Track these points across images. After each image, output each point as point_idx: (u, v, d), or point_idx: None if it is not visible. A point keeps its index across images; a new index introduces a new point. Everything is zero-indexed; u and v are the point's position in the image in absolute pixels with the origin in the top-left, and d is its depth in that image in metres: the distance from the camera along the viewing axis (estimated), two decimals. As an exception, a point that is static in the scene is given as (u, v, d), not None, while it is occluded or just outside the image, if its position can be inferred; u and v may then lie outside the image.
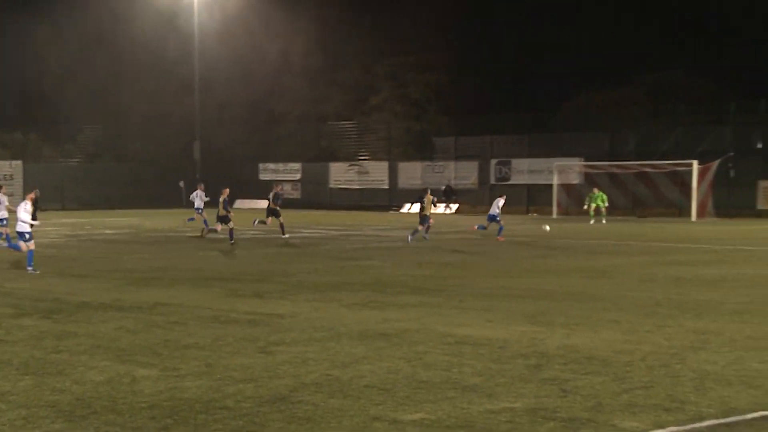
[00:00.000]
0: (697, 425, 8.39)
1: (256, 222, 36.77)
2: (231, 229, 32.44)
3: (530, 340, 12.54)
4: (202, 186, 42.32)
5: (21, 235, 22.41)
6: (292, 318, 14.70)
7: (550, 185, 59.46)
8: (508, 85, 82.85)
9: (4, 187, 31.72)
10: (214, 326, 13.89)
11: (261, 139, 79.44)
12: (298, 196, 72.68)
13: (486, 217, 36.44)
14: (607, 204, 50.46)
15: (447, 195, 64.74)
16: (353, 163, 72.83)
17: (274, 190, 37.62)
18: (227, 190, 34.33)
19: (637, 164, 57.17)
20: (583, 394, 9.50)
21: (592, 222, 45.99)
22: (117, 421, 8.67)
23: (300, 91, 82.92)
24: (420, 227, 34.15)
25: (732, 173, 55.80)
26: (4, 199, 30.72)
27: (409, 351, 11.83)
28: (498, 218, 35.24)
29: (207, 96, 75.25)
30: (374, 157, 72.69)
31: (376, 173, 70.87)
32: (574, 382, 10.03)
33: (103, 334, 13.26)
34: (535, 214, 59.93)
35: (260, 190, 75.59)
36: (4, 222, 30.19)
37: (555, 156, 61.65)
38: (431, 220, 34.73)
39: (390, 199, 69.34)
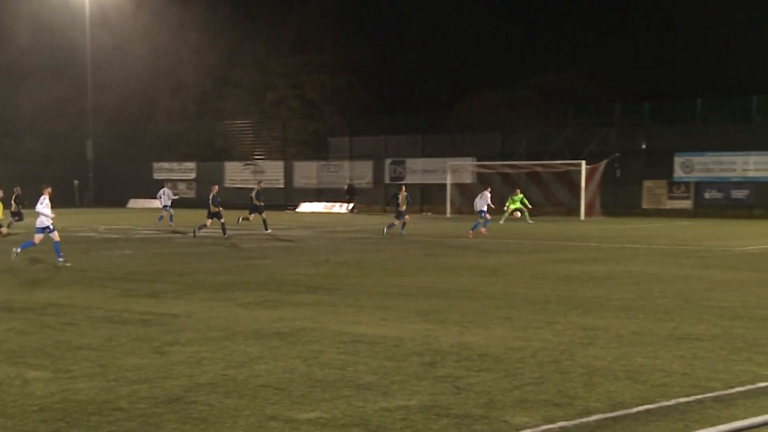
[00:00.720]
0: (585, 420, 8.54)
1: (240, 220, 37.77)
2: (223, 224, 34.12)
3: (424, 338, 12.61)
4: (169, 184, 44.34)
5: (42, 229, 23.36)
6: (186, 318, 14.53)
7: (444, 185, 59.98)
8: (402, 86, 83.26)
9: None
10: (107, 327, 13.65)
11: (155, 137, 78.40)
12: (193, 196, 71.91)
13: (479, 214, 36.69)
14: (529, 205, 50.59)
15: (349, 194, 64.82)
16: (248, 162, 72.39)
17: (256, 189, 38.51)
18: (216, 187, 36.33)
19: (529, 164, 58.05)
20: (476, 391, 9.59)
21: (502, 222, 46.29)
22: (7, 425, 8.44)
23: (195, 89, 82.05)
24: (396, 222, 35.50)
25: (618, 173, 57.06)
26: None
27: (305, 350, 11.79)
28: (485, 213, 35.84)
29: (100, 94, 73.91)
30: (270, 157, 72.38)
31: (272, 172, 70.56)
32: (467, 380, 10.12)
33: (-7, 336, 12.92)
34: (429, 213, 60.40)
35: (154, 189, 74.64)
36: None
37: (448, 156, 62.23)
38: (407, 216, 35.85)
39: (285, 198, 69.16)
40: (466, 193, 59.51)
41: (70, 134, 75.36)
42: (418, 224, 45.38)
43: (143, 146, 77.25)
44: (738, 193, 54.61)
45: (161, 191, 44.64)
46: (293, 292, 17.93)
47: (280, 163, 70.79)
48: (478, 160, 61.23)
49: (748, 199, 54.28)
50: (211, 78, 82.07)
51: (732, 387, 9.82)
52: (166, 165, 76.10)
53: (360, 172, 66.91)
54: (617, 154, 57.10)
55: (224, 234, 34.44)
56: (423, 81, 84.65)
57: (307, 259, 25.82)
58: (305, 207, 67.37)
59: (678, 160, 55.96)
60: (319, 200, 68.01)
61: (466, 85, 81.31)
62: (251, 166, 71.88)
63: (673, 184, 56.27)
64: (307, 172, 69.21)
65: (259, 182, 42.68)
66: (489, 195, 36.80)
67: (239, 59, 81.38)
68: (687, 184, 55.82)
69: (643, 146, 57.70)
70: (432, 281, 19.87)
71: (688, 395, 9.44)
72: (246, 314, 14.94)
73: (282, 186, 70.14)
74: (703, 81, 74.96)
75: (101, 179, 76.15)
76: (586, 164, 54.62)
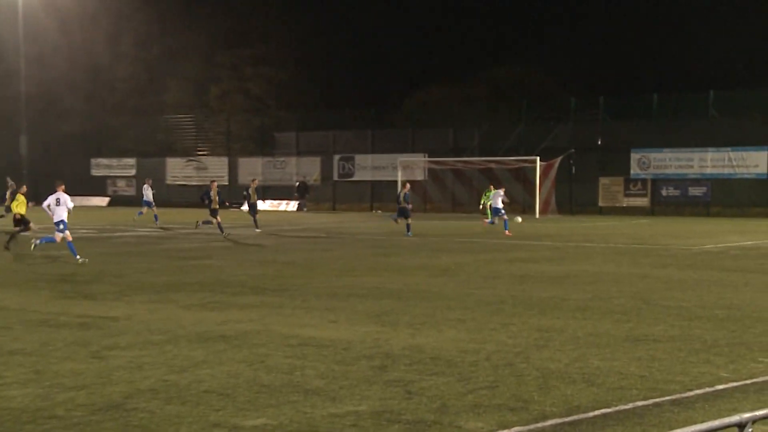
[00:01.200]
0: (540, 425, 8.57)
1: (200, 223, 37.53)
2: (219, 222, 35.16)
3: (374, 341, 12.60)
4: (150, 181, 44.96)
5: (57, 224, 24.80)
6: (126, 321, 14.40)
7: (395, 181, 59.92)
8: (350, 80, 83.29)
9: None
10: (42, 330, 13.49)
11: (94, 133, 77.65)
12: (133, 193, 71.33)
13: (492, 213, 38.70)
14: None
15: (300, 192, 64.48)
16: (191, 158, 71.97)
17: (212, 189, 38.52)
18: (215, 183, 37.65)
19: (482, 160, 58.29)
20: (428, 396, 9.59)
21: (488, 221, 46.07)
22: (-64, 435, 8.31)
23: (135, 81, 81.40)
24: (399, 220, 37.07)
25: (573, 170, 57.47)
26: None
27: (250, 354, 11.73)
28: (502, 212, 37.59)
29: (34, 87, 73.04)
30: (213, 152, 72.01)
31: (215, 169, 70.19)
32: (419, 384, 10.12)
33: None
34: (379, 212, 60.42)
35: (93, 186, 74.01)
36: None
37: (399, 152, 62.31)
38: (409, 218, 36.85)
39: (230, 195, 68.78)
40: (418, 191, 59.61)
41: (3, 130, 74.42)
42: (367, 223, 45.39)
43: (81, 142, 76.51)
44: (695, 191, 55.26)
45: (144, 187, 45.30)
46: (238, 293, 17.84)
47: (224, 160, 70.47)
48: (429, 156, 61.39)
49: (706, 197, 54.94)
50: (152, 70, 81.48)
51: (690, 390, 9.91)
52: (104, 161, 75.45)
53: (307, 169, 66.79)
54: (572, 151, 57.53)
55: (221, 231, 35.28)
56: (372, 75, 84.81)
57: (253, 259, 25.71)
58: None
59: (635, 156, 56.50)
60: (264, 198, 67.73)
61: (417, 80, 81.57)
62: (194, 163, 71.47)
63: (629, 181, 56.79)
64: (252, 169, 68.90)
65: (213, 181, 42.45)
66: (502, 193, 38.64)
67: (182, 51, 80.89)
68: (644, 181, 56.39)
69: (599, 142, 58.18)
70: (382, 281, 19.87)
71: (645, 398, 9.51)
72: (189, 317, 14.83)
73: (226, 183, 69.80)
74: (659, 76, 75.94)
75: (36, 176, 75.33)
76: (541, 161, 54.98)
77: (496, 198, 38.25)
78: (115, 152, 75.84)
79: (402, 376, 10.49)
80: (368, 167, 64.50)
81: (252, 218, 38.80)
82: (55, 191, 25.32)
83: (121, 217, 47.70)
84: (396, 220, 37.81)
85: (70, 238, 25.04)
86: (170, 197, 70.19)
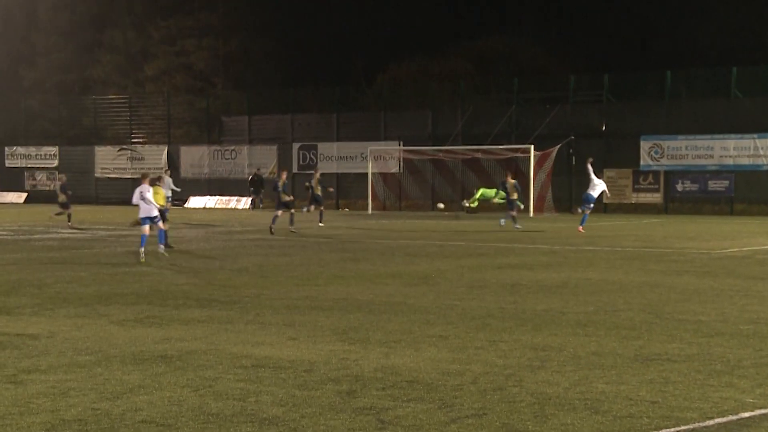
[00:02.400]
0: (537, 458, 8.61)
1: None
2: (292, 214, 39.00)
3: (341, 361, 12.62)
4: (169, 172, 46.82)
5: (146, 219, 27.72)
6: (48, 338, 14.35)
7: (365, 174, 59.90)
8: (311, 55, 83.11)
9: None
10: (-52, 351, 13.43)
11: (7, 116, 77.18)
12: (55, 188, 71.09)
13: (583, 198, 41.05)
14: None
15: (255, 186, 64.23)
16: (124, 147, 71.73)
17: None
18: (285, 174, 40.96)
19: (466, 149, 58.33)
20: (404, 426, 9.62)
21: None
22: None
23: (55, 54, 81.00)
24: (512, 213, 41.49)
25: (574, 160, 57.54)
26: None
27: (196, 377, 11.72)
28: (593, 203, 40.54)
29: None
30: (150, 140, 71.82)
31: (153, 159, 69.99)
32: (393, 411, 10.15)
33: None
34: (346, 210, 60.46)
35: (8, 180, 73.62)
36: None
37: (369, 139, 62.32)
38: (515, 211, 41.83)
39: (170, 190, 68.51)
40: (392, 185, 59.68)
41: None
42: (333, 222, 45.40)
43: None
44: (716, 185, 55.57)
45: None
46: (181, 306, 17.81)
47: (163, 148, 70.28)
48: (405, 145, 61.41)
49: (728, 192, 55.25)
50: (76, 41, 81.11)
51: (711, 418, 9.97)
52: (21, 150, 75.07)
53: (261, 159, 66.65)
54: (572, 138, 57.72)
55: (291, 224, 38.77)
56: (336, 47, 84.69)
57: (197, 266, 25.67)
58: (195, 201, 66.83)
59: (645, 144, 56.75)
60: (211, 193, 67.62)
61: (389, 53, 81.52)
62: (127, 152, 71.24)
63: (639, 174, 57.04)
64: (196, 159, 68.77)
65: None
66: (604, 185, 41.58)
67: (111, 18, 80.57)
68: (656, 173, 56.69)
69: (603, 128, 58.41)
70: (350, 292, 19.89)
71: (658, 428, 9.57)
72: (123, 334, 14.80)
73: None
74: (673, 50, 76.22)
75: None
76: (535, 149, 55.12)
77: (598, 186, 40.48)
78: (33, 139, 75.43)
79: (374, 402, 10.52)
80: (333, 157, 64.51)
81: (318, 212, 43.48)
82: (142, 184, 28.26)
83: (40, 216, 47.44)
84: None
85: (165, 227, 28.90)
86: (100, 193, 70.03)
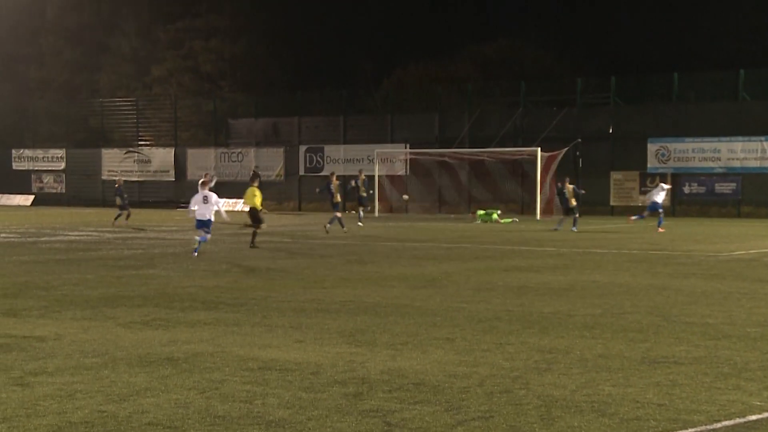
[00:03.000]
0: (543, 461, 8.60)
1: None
2: (340, 217, 40.42)
3: (348, 364, 12.61)
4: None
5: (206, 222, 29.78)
6: (55, 341, 14.36)
7: (371, 176, 59.90)
8: (318, 57, 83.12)
9: None
10: (-45, 353, 13.44)
11: (16, 118, 77.24)
12: (63, 191, 71.14)
13: (648, 207, 42.53)
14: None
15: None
16: (131, 149, 71.79)
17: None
18: (334, 174, 42.45)
19: (473, 152, 58.33)
20: (411, 428, 9.61)
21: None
22: None
23: (63, 56, 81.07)
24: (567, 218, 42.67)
25: (581, 163, 57.58)
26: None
27: (202, 379, 11.72)
28: (661, 207, 41.67)
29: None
30: (157, 143, 71.85)
31: (160, 162, 70.05)
32: (400, 414, 10.14)
33: None
34: (353, 212, 60.42)
35: (16, 183, 73.70)
36: None
37: (376, 142, 62.34)
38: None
39: (176, 193, 68.66)
40: (398, 186, 59.68)
41: None
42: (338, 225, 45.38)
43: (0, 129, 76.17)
44: (723, 187, 55.53)
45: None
46: (188, 308, 17.81)
47: (170, 151, 70.33)
48: (411, 147, 61.43)
49: (736, 194, 55.21)
50: (84, 43, 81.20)
51: (718, 420, 9.95)
52: (28, 152, 75.14)
53: (268, 162, 66.68)
54: (579, 140, 57.71)
55: (342, 226, 40.21)
56: (343, 50, 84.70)
57: (204, 268, 25.67)
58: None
59: (652, 147, 56.74)
60: (218, 196, 67.54)
61: (395, 57, 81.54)
62: (134, 155, 71.30)
63: (646, 176, 57.00)
64: (203, 162, 68.81)
65: (332, 173, 44.17)
66: (667, 187, 43.54)
67: (118, 20, 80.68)
68: (663, 176, 56.61)
69: (611, 131, 58.37)
70: (357, 294, 19.88)
71: (665, 431, 9.56)
72: (129, 336, 14.80)
73: (172, 179, 69.65)
74: (680, 52, 76.14)
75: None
76: (542, 152, 55.10)
77: (658, 192, 41.93)
78: (40, 142, 75.50)
79: (380, 404, 10.51)
80: (340, 160, 64.53)
81: (360, 211, 45.44)
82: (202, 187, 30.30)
83: (48, 219, 47.50)
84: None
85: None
86: (106, 195, 70.06)
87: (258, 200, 32.67)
